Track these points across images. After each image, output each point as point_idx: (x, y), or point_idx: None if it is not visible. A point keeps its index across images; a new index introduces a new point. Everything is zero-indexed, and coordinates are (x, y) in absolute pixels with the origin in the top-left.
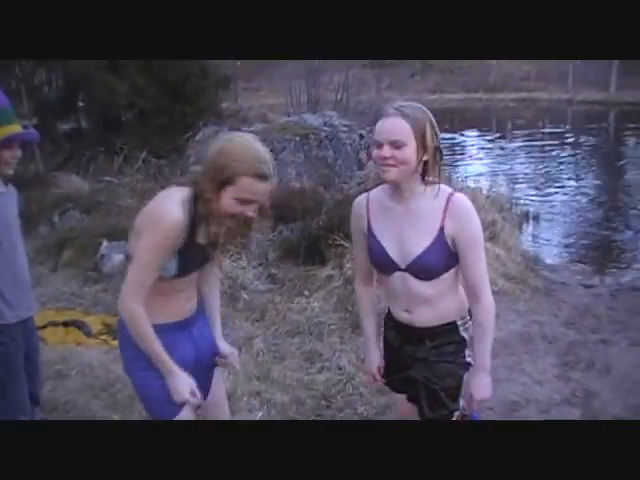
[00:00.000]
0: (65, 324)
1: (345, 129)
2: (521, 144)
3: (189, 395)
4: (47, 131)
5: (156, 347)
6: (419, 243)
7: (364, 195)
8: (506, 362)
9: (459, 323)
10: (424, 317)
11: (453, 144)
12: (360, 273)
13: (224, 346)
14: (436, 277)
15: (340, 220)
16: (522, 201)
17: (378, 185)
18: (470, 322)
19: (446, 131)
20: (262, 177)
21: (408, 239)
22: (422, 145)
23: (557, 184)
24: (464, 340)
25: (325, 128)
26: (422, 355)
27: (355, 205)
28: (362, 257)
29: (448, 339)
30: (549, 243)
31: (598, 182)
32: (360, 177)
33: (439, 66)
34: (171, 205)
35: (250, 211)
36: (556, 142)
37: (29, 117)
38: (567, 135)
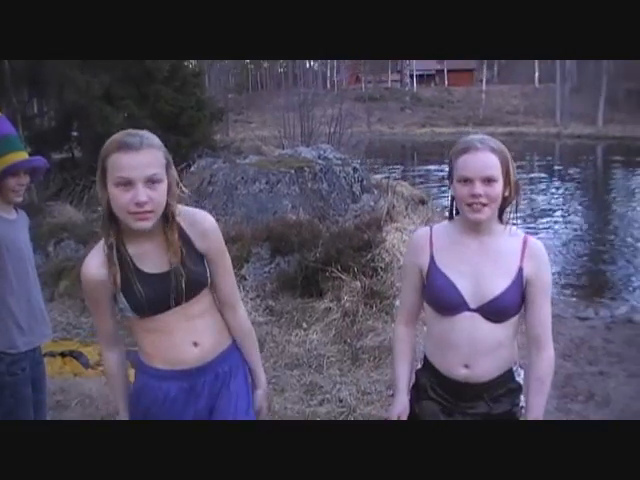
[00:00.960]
0: (62, 355)
1: (339, 162)
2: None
3: None
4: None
5: (117, 401)
6: (498, 283)
7: (426, 228)
8: None
9: (514, 369)
10: (486, 369)
11: (443, 176)
12: (404, 313)
13: (259, 401)
14: (507, 319)
15: (337, 252)
16: None
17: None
18: (519, 369)
19: (436, 163)
20: (126, 148)
21: (485, 278)
22: (507, 181)
23: (548, 217)
24: (520, 386)
25: (319, 161)
26: (482, 410)
27: (416, 237)
28: (411, 295)
29: (505, 388)
30: None
31: (588, 214)
32: (355, 210)
33: (429, 100)
34: (87, 259)
35: (138, 196)
36: (545, 175)
37: (24, 147)
38: (556, 168)
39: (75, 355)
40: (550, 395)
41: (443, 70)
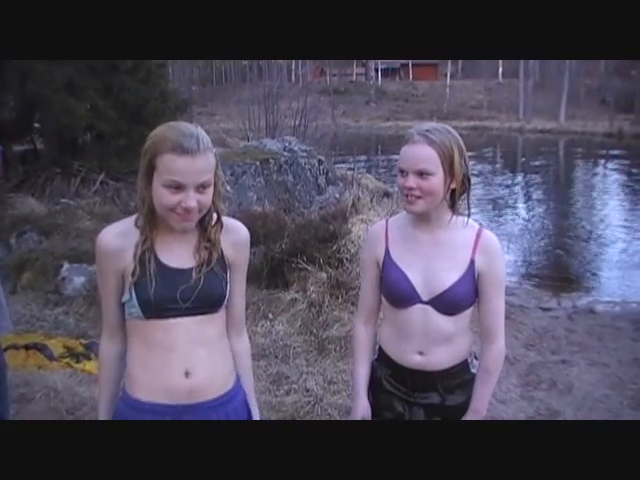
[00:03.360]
0: (26, 347)
1: (304, 154)
2: (475, 171)
3: None
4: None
5: (100, 401)
6: (448, 275)
7: (382, 222)
8: None
9: (469, 360)
10: (440, 358)
11: None
12: (364, 309)
13: None
14: (460, 312)
15: (303, 244)
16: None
17: (343, 210)
18: (474, 359)
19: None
20: (181, 150)
21: (436, 271)
22: (450, 174)
23: (510, 209)
24: (474, 378)
25: (285, 153)
26: (436, 401)
27: (371, 231)
28: (370, 291)
29: (460, 379)
30: (505, 267)
31: (551, 206)
32: (320, 202)
33: (393, 94)
34: (106, 227)
35: (187, 200)
36: (508, 168)
37: None
38: (519, 161)
39: (39, 347)
40: (514, 384)
41: (408, 64)
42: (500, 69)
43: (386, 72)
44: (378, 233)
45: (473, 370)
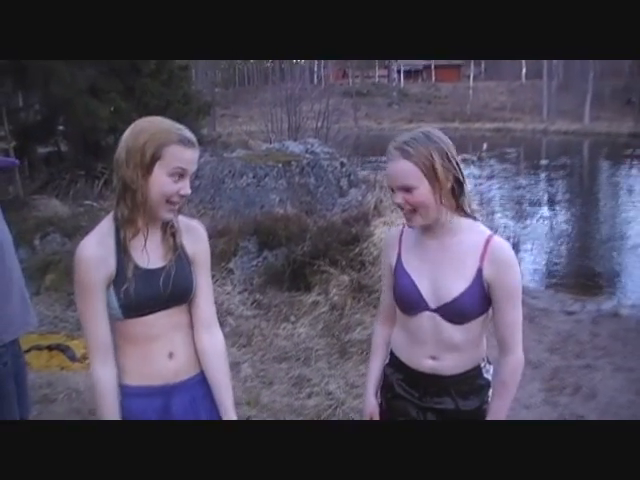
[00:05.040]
0: (49, 348)
1: (327, 156)
2: (500, 172)
3: None
4: (26, 154)
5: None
6: (456, 284)
7: (398, 227)
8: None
9: (482, 365)
10: (452, 364)
11: None
12: (383, 311)
13: None
14: (468, 321)
15: (325, 246)
16: (502, 229)
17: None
18: (489, 365)
19: None
20: (186, 142)
21: (444, 278)
22: (436, 181)
23: (534, 211)
24: (489, 383)
25: (307, 155)
26: (451, 406)
27: (387, 237)
28: (388, 294)
29: (473, 385)
30: (529, 270)
31: (575, 210)
32: (342, 204)
33: (416, 96)
34: (84, 240)
35: (186, 188)
36: (532, 170)
37: (8, 140)
38: (543, 163)
39: (62, 348)
40: (537, 388)
41: (430, 66)
42: (523, 70)
43: (408, 74)
44: (393, 238)
45: (486, 375)
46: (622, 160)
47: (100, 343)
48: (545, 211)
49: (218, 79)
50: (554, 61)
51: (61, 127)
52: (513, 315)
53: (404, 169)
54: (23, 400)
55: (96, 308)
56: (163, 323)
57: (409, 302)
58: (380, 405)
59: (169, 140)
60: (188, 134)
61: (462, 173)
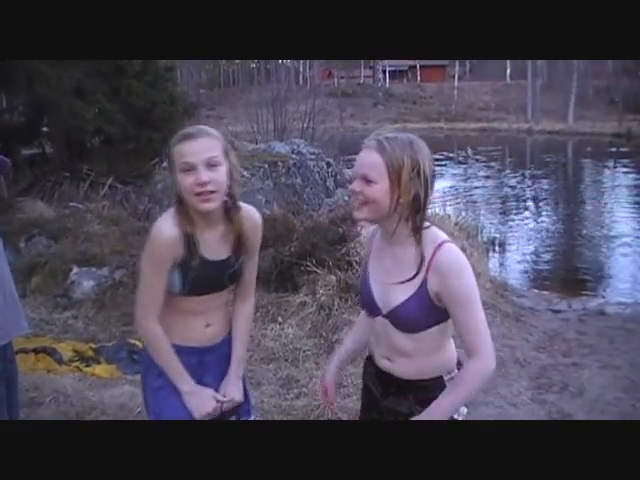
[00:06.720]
0: (35, 351)
1: (313, 157)
2: (484, 173)
3: (212, 410)
4: (10, 156)
5: (175, 364)
6: (400, 293)
7: (374, 228)
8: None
9: (446, 378)
10: (405, 369)
11: None
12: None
13: (227, 387)
14: (417, 332)
15: (312, 247)
16: (488, 228)
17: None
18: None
19: None
20: (184, 137)
21: (391, 286)
22: (397, 185)
23: (519, 211)
24: None
25: (293, 156)
26: (405, 410)
27: (367, 236)
28: None
29: (433, 394)
30: (515, 269)
31: (560, 208)
32: (329, 204)
33: (401, 96)
34: (161, 223)
35: (200, 177)
36: (517, 169)
37: None
38: (528, 163)
39: (48, 351)
40: (525, 387)
41: (415, 66)
42: (508, 70)
43: (394, 74)
44: (368, 238)
45: None
46: (606, 159)
47: (156, 306)
48: (530, 210)
49: (203, 80)
50: (538, 61)
51: (45, 128)
52: (468, 322)
53: (372, 161)
54: (14, 405)
55: (160, 277)
56: (209, 302)
57: (367, 305)
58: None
59: (174, 142)
60: (187, 130)
61: (427, 193)
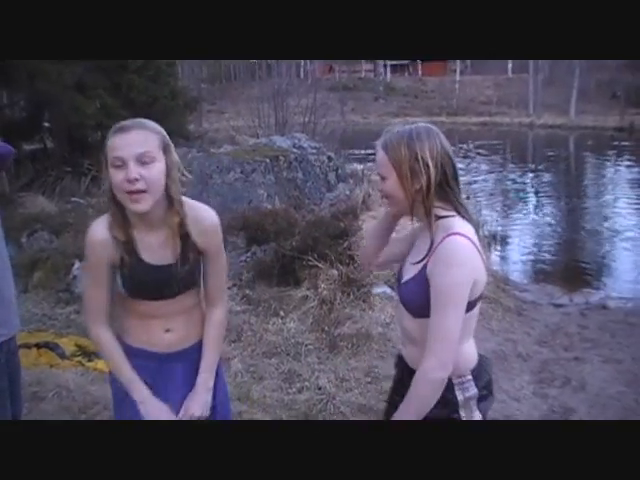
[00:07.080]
0: (37, 346)
1: (314, 151)
2: (486, 167)
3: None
4: None
5: (125, 371)
6: (408, 272)
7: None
8: None
9: (455, 382)
10: (413, 357)
11: None
12: None
13: (189, 401)
14: (420, 316)
15: (313, 241)
16: (489, 222)
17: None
18: (469, 383)
19: None
20: (116, 130)
21: (408, 264)
22: (406, 177)
23: (522, 205)
24: (456, 401)
25: (294, 150)
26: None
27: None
28: None
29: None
30: (517, 263)
31: (562, 202)
32: (330, 199)
33: (402, 90)
34: (95, 225)
35: (130, 172)
36: (519, 164)
37: None
38: (529, 157)
39: (51, 346)
40: (527, 381)
41: (416, 60)
42: (510, 65)
43: (395, 68)
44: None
45: (458, 392)
46: (608, 153)
47: (103, 311)
48: (532, 204)
49: (204, 75)
50: None
51: (47, 124)
52: (436, 319)
53: (380, 158)
54: (17, 400)
55: (98, 279)
56: (166, 307)
57: (397, 273)
58: None
59: (109, 136)
60: (123, 122)
61: (430, 178)
